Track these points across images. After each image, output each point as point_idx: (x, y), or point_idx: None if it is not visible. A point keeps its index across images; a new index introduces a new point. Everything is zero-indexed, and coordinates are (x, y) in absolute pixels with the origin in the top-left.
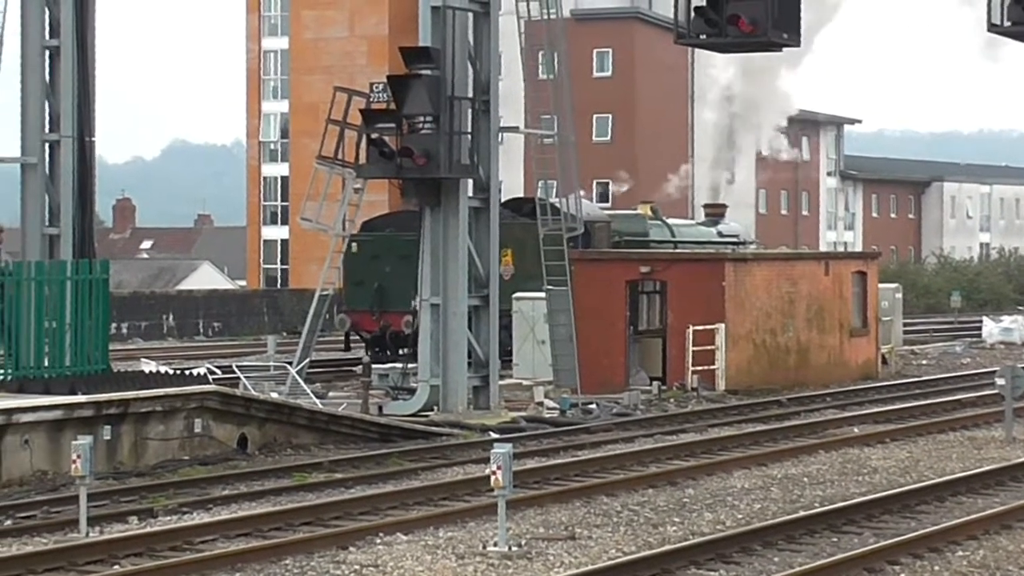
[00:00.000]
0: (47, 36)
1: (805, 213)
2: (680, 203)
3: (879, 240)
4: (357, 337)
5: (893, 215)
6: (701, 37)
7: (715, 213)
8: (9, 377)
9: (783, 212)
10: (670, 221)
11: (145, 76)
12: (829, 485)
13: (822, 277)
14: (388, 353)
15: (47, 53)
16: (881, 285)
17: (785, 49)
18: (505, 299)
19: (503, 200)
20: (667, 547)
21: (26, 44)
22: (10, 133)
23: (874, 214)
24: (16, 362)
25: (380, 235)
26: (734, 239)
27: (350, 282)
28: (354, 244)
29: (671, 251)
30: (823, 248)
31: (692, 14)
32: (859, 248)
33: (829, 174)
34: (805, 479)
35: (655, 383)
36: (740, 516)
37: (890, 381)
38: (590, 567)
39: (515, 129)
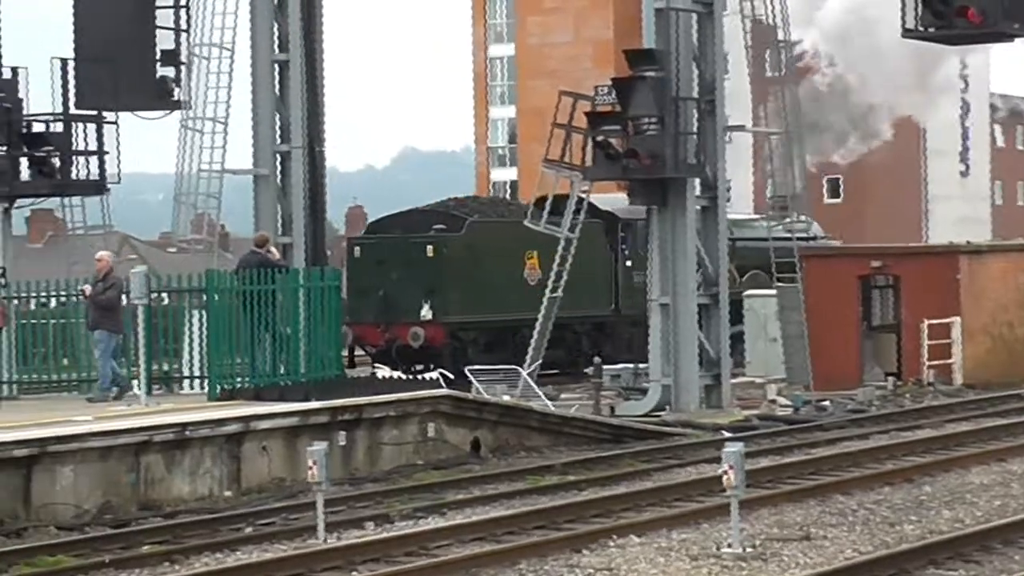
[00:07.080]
0: (276, 50)
1: None
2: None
3: None
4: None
5: None
6: (929, 30)
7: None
8: (247, 385)
9: (1020, 203)
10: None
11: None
12: None
13: None
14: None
15: (277, 67)
16: None
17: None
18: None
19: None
20: (904, 546)
21: (256, 59)
22: (243, 145)
23: None
24: (253, 370)
25: (386, 237)
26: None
27: (352, 291)
28: (356, 248)
29: (903, 245)
30: None
31: (920, 7)
32: None
33: None
34: None
35: (890, 378)
36: (979, 514)
37: None
38: (826, 568)
39: (741, 128)
